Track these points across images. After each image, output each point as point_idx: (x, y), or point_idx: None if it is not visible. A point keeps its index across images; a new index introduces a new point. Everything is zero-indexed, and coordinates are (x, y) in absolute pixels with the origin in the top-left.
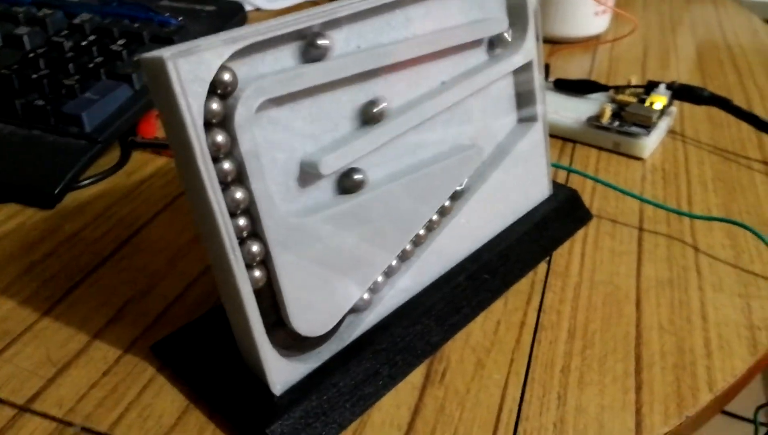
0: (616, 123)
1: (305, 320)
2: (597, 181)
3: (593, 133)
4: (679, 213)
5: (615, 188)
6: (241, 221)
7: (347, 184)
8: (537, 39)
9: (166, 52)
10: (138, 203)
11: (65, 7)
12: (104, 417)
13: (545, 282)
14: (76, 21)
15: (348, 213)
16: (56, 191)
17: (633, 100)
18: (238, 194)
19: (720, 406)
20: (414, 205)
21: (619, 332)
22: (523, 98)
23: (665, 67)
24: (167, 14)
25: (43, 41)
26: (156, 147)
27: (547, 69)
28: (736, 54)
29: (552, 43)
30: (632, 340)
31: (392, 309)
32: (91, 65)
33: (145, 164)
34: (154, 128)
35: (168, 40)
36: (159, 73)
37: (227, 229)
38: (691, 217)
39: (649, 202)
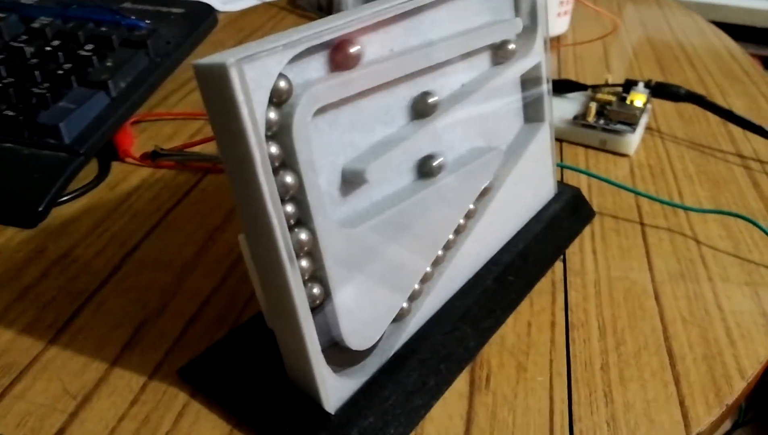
0: (602, 121)
1: (356, 334)
2: (600, 178)
3: (580, 132)
4: (682, 207)
5: (619, 186)
6: (300, 235)
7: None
8: (545, 40)
9: (228, 58)
10: (128, 218)
11: (19, 10)
12: None
13: (565, 281)
14: (35, 25)
15: (390, 220)
16: (41, 208)
17: (613, 98)
18: (294, 208)
19: (748, 391)
20: (446, 209)
21: (645, 327)
22: (531, 99)
23: (628, 67)
24: (132, 17)
25: (0, 47)
26: (184, 158)
27: None
28: (689, 53)
29: None
30: (660, 333)
31: (429, 316)
32: (60, 72)
33: (127, 176)
34: (131, 139)
35: (140, 44)
36: (218, 80)
37: (286, 245)
38: (692, 210)
39: (651, 198)
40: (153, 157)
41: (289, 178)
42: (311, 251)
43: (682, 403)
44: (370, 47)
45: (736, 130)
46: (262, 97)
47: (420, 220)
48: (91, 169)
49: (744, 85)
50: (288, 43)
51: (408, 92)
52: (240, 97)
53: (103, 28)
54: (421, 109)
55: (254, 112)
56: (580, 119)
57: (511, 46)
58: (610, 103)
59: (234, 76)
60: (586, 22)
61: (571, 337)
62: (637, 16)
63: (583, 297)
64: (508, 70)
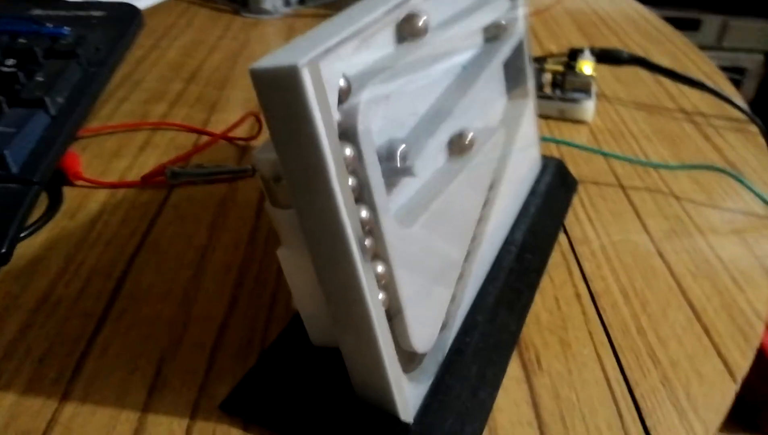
0: (557, 91)
1: (422, 337)
2: (577, 146)
3: (538, 104)
4: (660, 166)
5: (603, 153)
6: (368, 242)
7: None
8: (525, 17)
9: (297, 58)
10: (102, 247)
11: None
12: None
13: (573, 251)
14: None
15: (436, 212)
16: (3, 250)
17: (561, 68)
18: (365, 213)
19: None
20: (474, 191)
21: (662, 285)
22: (516, 76)
23: (555, 36)
24: (49, 25)
25: None
26: (208, 174)
27: None
28: (606, 19)
29: None
30: (676, 289)
31: (469, 306)
32: None
33: (84, 201)
34: (77, 158)
35: (70, 54)
36: (288, 83)
37: (361, 251)
38: (670, 168)
39: (631, 160)
40: (173, 178)
41: (356, 181)
42: (378, 255)
43: (719, 353)
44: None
45: (674, 89)
46: (332, 97)
47: (456, 206)
48: (39, 200)
49: (663, 45)
50: (345, 37)
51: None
52: (311, 99)
53: (22, 40)
54: (454, 86)
55: (329, 115)
56: (537, 91)
57: (503, 22)
58: (560, 73)
59: (305, 77)
60: None
61: (600, 306)
62: None
63: (596, 265)
64: (504, 47)
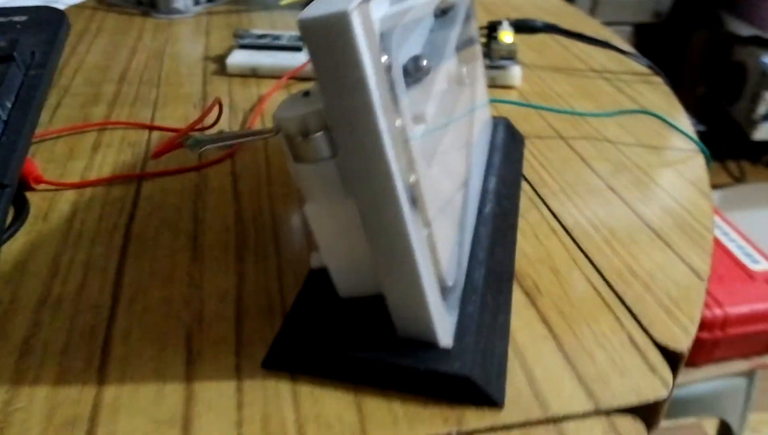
0: (486, 60)
1: (449, 270)
2: (522, 104)
3: None
4: (596, 115)
5: (540, 107)
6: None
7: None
8: None
9: (347, 4)
10: (88, 244)
11: None
12: None
13: (538, 195)
14: None
15: (440, 159)
16: None
17: (483, 39)
18: (405, 157)
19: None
20: (459, 146)
21: (621, 213)
22: (467, 40)
23: None
24: None
25: None
26: (232, 138)
27: None
28: None
29: None
30: (633, 215)
31: (469, 247)
32: None
33: (52, 203)
34: (32, 163)
35: (7, 58)
36: (338, 28)
37: (407, 192)
38: (603, 115)
39: (569, 113)
40: (195, 145)
41: (399, 124)
42: (415, 194)
43: (683, 261)
44: None
45: (581, 52)
46: (377, 45)
47: (452, 155)
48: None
49: (560, 16)
50: None
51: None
52: (364, 44)
53: None
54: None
55: (377, 58)
56: None
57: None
58: (484, 44)
59: (355, 23)
60: None
61: (574, 237)
62: None
63: (561, 203)
64: (471, 20)
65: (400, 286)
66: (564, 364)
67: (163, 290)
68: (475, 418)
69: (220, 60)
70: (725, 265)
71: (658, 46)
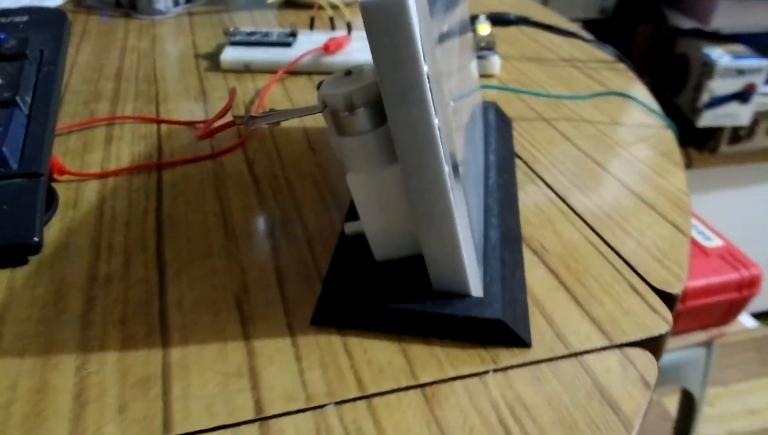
0: None
1: (475, 229)
2: (510, 90)
3: None
4: (575, 97)
5: (528, 92)
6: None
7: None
8: None
9: None
10: (123, 227)
11: None
12: (345, 387)
13: (531, 169)
14: None
15: (460, 127)
16: (35, 238)
17: None
18: (446, 126)
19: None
20: (470, 115)
21: (607, 182)
22: (465, 21)
23: None
24: None
25: None
26: (284, 115)
27: (349, 26)
28: None
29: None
30: (618, 184)
31: (483, 214)
32: None
33: (79, 193)
34: (57, 160)
35: (19, 56)
36: (394, 12)
37: (447, 158)
38: (580, 98)
39: (553, 96)
40: (251, 123)
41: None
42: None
43: (668, 220)
44: None
45: (549, 43)
46: (428, 21)
47: (467, 115)
48: None
49: (524, 9)
50: None
51: None
52: (416, 25)
53: None
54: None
55: (428, 38)
56: None
57: None
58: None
59: (411, 4)
60: None
61: (570, 204)
62: None
63: (553, 176)
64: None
65: (438, 243)
66: (577, 309)
67: (205, 263)
68: (508, 356)
69: (211, 57)
70: None
71: (605, 40)
